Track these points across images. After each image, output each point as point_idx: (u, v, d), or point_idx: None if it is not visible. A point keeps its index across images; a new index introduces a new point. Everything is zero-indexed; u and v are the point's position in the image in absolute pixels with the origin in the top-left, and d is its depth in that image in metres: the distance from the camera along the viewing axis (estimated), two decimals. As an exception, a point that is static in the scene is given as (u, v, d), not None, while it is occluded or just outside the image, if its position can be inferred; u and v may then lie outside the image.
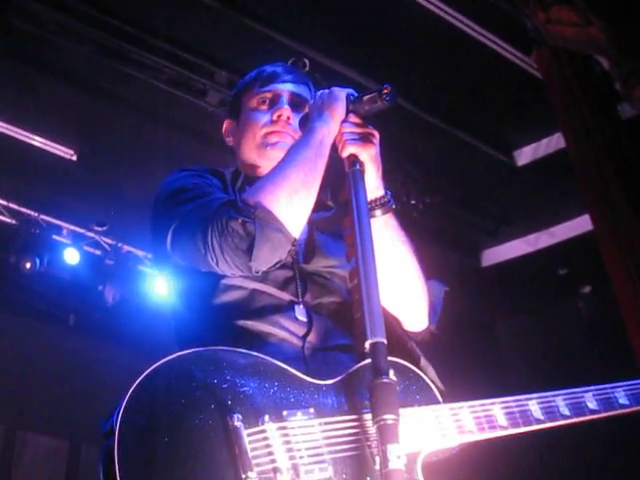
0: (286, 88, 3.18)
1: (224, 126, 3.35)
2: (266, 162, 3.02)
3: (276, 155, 2.97)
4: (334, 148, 2.77)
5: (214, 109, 7.82)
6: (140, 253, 9.66)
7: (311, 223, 2.96)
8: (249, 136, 3.13)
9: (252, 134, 3.12)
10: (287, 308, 2.78)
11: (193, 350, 2.40)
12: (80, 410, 8.88)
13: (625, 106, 7.26)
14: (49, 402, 9.06)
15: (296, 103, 3.15)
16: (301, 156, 2.72)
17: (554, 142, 8.78)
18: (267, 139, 3.07)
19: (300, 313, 2.78)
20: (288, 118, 3.08)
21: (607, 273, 6.89)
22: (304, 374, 2.51)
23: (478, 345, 9.76)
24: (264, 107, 3.16)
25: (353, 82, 6.59)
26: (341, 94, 2.84)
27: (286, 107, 3.11)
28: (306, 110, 3.04)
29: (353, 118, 2.79)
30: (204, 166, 3.09)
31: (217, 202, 2.69)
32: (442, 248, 9.35)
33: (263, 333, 2.71)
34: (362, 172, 2.68)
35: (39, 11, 7.02)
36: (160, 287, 9.25)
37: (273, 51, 6.92)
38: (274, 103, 3.14)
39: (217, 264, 2.61)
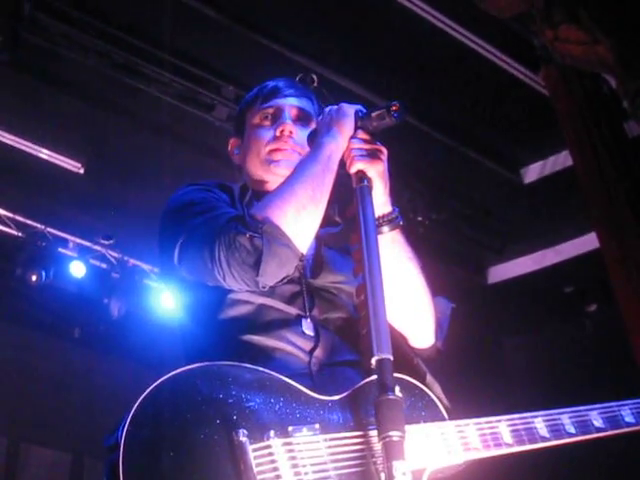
0: (288, 103, 3.18)
1: (230, 144, 3.35)
2: (272, 178, 3.03)
3: (281, 172, 2.98)
4: (342, 164, 2.77)
5: (221, 124, 7.84)
6: (146, 267, 9.66)
7: (319, 238, 2.97)
8: (253, 153, 3.13)
9: (256, 151, 3.12)
10: (294, 322, 2.78)
11: (199, 365, 2.40)
12: (83, 423, 8.87)
13: (632, 124, 7.25)
14: (53, 415, 9.05)
15: (299, 117, 3.16)
16: (309, 172, 2.72)
17: (561, 160, 8.78)
18: (271, 156, 3.07)
19: (307, 327, 2.78)
20: (291, 133, 3.09)
21: (613, 291, 6.88)
22: (310, 390, 2.50)
23: (483, 362, 9.73)
24: (267, 123, 3.16)
25: (361, 98, 6.58)
26: (350, 110, 2.84)
27: (288, 122, 3.11)
28: (313, 125, 3.05)
29: (361, 134, 2.79)
30: (212, 180, 3.09)
31: (225, 217, 2.69)
32: (448, 265, 9.34)
33: (270, 348, 2.70)
34: (370, 188, 2.68)
35: (48, 24, 7.05)
36: (166, 301, 9.25)
37: (281, 66, 6.94)
38: (276, 118, 3.14)
39: (224, 279, 2.61)
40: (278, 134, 3.10)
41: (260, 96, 3.24)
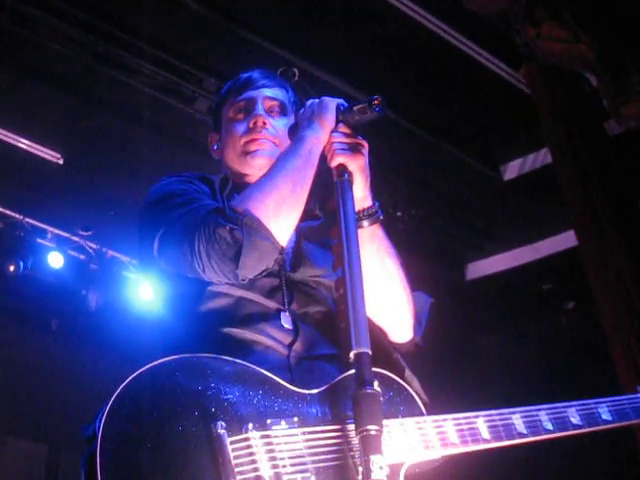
0: (261, 94, 3.18)
1: (209, 140, 3.36)
2: (250, 170, 3.04)
3: (257, 163, 3.00)
4: (323, 158, 2.77)
5: (202, 116, 7.81)
6: (124, 258, 9.63)
7: (299, 232, 2.97)
8: (230, 147, 3.14)
9: (232, 145, 3.13)
10: (273, 316, 2.78)
11: (178, 356, 2.39)
12: (60, 415, 8.84)
13: (612, 123, 7.28)
14: (29, 406, 9.01)
15: (272, 107, 3.17)
16: (290, 165, 2.72)
17: (541, 158, 8.81)
18: (246, 148, 3.08)
19: (286, 321, 2.78)
20: (264, 124, 3.09)
21: (590, 290, 6.90)
22: (289, 383, 2.51)
23: (460, 358, 9.77)
24: (240, 116, 3.17)
25: (342, 93, 6.58)
26: (331, 104, 2.84)
27: (261, 113, 3.12)
28: (288, 115, 3.06)
29: (343, 128, 2.79)
30: (193, 172, 3.09)
31: (205, 209, 2.69)
32: (427, 260, 9.36)
33: (249, 341, 2.70)
34: (350, 182, 2.68)
35: (28, 14, 7.00)
36: (144, 293, 9.22)
37: (262, 59, 6.92)
38: (249, 111, 3.15)
39: (203, 271, 2.61)
40: (251, 126, 3.11)
41: (233, 89, 3.25)
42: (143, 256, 2.90)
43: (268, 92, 3.19)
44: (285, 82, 3.27)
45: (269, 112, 3.15)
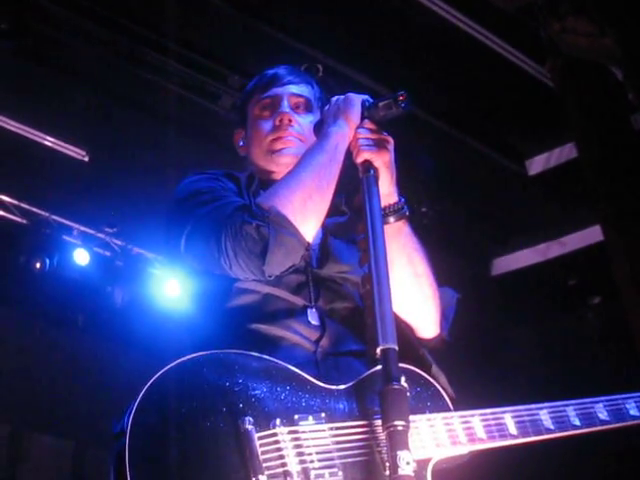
0: (287, 91, 3.18)
1: (235, 136, 3.36)
2: (276, 168, 3.04)
3: (283, 161, 3.00)
4: (348, 154, 2.77)
5: (227, 113, 7.82)
6: (150, 255, 9.65)
7: (325, 228, 2.97)
8: (256, 145, 3.15)
9: (258, 143, 3.13)
10: (300, 312, 2.79)
11: (206, 353, 2.41)
12: (86, 411, 8.87)
13: (638, 117, 7.24)
14: (56, 402, 9.05)
15: (298, 105, 3.16)
16: (316, 161, 2.72)
17: (566, 152, 8.76)
18: (272, 146, 3.08)
19: (313, 317, 2.79)
20: (290, 121, 3.09)
21: (617, 285, 6.86)
22: (316, 379, 2.52)
23: (486, 354, 9.73)
24: (266, 113, 3.16)
25: (367, 88, 6.56)
26: (356, 100, 2.84)
27: (287, 110, 3.12)
28: (314, 111, 3.06)
29: (368, 124, 2.79)
30: (219, 170, 3.09)
31: (232, 206, 2.70)
32: (452, 256, 9.31)
33: (276, 337, 2.71)
34: (376, 178, 2.68)
35: (54, 13, 7.03)
36: (169, 289, 9.24)
37: (287, 55, 6.92)
38: (275, 108, 3.15)
39: (230, 267, 2.62)
40: (277, 123, 3.11)
41: (259, 86, 3.25)
42: (170, 253, 2.91)
43: (294, 89, 3.19)
44: (310, 78, 3.27)
45: (295, 109, 3.14)
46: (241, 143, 3.31)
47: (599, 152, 6.98)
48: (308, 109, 3.17)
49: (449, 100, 8.22)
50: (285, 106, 3.14)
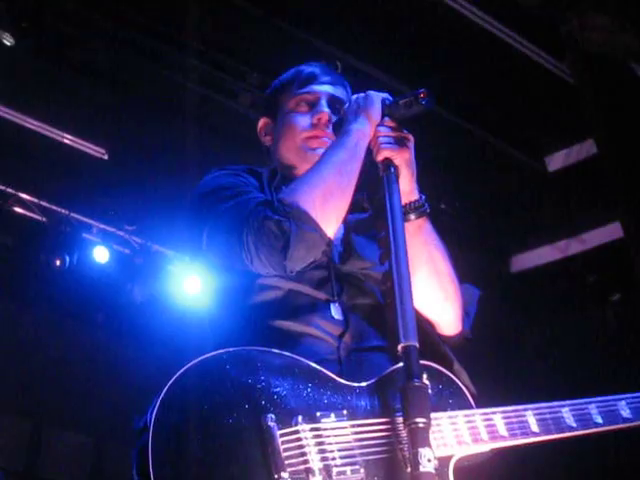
0: (324, 90, 3.18)
1: (260, 124, 3.35)
2: (305, 165, 3.01)
3: (316, 160, 2.98)
4: (369, 152, 2.77)
5: (246, 110, 7.83)
6: (169, 252, 9.67)
7: (347, 224, 2.98)
8: (288, 138, 3.14)
9: (292, 136, 3.12)
10: (323, 307, 2.79)
11: (228, 349, 2.41)
12: (106, 408, 8.92)
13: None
14: (76, 399, 9.09)
15: (334, 105, 3.15)
16: (337, 158, 2.73)
17: (586, 148, 8.72)
18: (308, 143, 3.08)
19: (336, 312, 2.78)
20: (327, 121, 3.09)
21: (637, 281, 6.85)
22: (338, 375, 2.52)
23: (506, 351, 9.72)
24: (303, 109, 3.16)
25: (386, 86, 6.57)
26: (377, 98, 2.85)
27: (326, 110, 3.11)
28: (341, 113, 3.04)
29: (388, 122, 2.80)
30: (241, 165, 3.09)
31: (253, 201, 2.71)
32: (471, 253, 9.30)
33: (298, 333, 2.71)
34: (397, 176, 2.68)
35: (74, 11, 7.06)
36: (189, 286, 9.26)
37: (306, 53, 6.90)
38: (313, 105, 3.15)
39: (252, 263, 2.63)
40: (315, 122, 3.11)
41: (297, 80, 3.23)
42: (192, 249, 2.92)
43: (332, 89, 3.19)
44: (345, 80, 3.27)
45: (331, 110, 3.14)
46: (266, 132, 3.31)
47: (619, 148, 6.96)
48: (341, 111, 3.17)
49: (469, 97, 8.20)
50: (324, 105, 3.14)
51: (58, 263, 9.02)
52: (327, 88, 3.18)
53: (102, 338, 9.61)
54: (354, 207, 2.84)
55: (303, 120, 3.12)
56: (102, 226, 9.40)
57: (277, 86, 3.34)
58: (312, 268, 2.72)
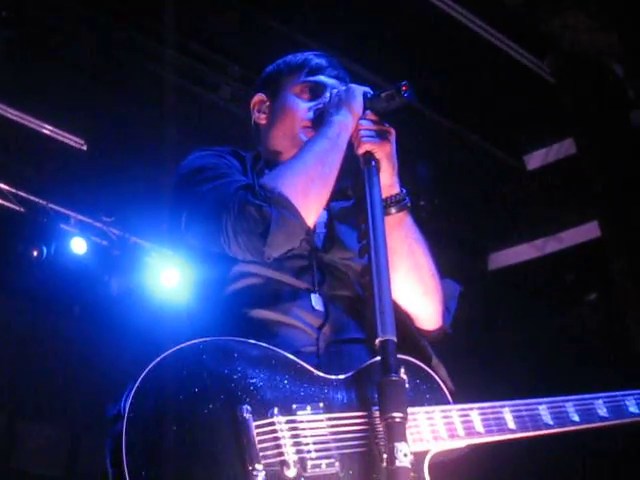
0: (331, 83, 3.15)
1: (254, 99, 3.31)
2: (295, 151, 3.00)
3: None
4: (350, 145, 2.77)
5: (226, 103, 7.80)
6: (147, 244, 9.64)
7: (330, 212, 2.97)
8: (286, 121, 3.11)
9: (290, 121, 3.10)
10: (303, 297, 2.77)
11: (205, 339, 2.40)
12: (82, 400, 8.89)
13: (637, 113, 7.24)
14: (51, 392, 9.06)
15: None
16: (319, 147, 2.73)
17: (565, 147, 8.75)
18: (306, 132, 3.04)
19: (317, 302, 2.77)
20: None
21: (614, 281, 6.88)
22: (315, 367, 2.51)
23: (483, 347, 9.74)
24: (307, 96, 3.14)
25: (365, 81, 6.58)
26: (358, 91, 2.85)
27: None
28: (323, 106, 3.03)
29: (370, 115, 2.80)
30: (225, 147, 3.07)
31: (235, 185, 2.69)
32: (449, 250, 9.31)
33: (277, 322, 2.70)
34: (378, 169, 2.68)
35: (54, 1, 7.02)
36: (166, 279, 9.23)
37: (286, 47, 6.88)
38: (317, 95, 3.12)
39: (230, 247, 2.61)
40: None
41: (306, 67, 3.20)
42: (172, 230, 2.90)
43: (337, 84, 3.15)
44: (347, 77, 3.25)
45: None
46: (260, 109, 3.27)
47: (597, 148, 6.99)
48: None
49: (448, 94, 8.20)
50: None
51: (35, 254, 8.97)
52: (334, 82, 3.16)
53: (79, 330, 9.56)
54: (338, 195, 2.85)
55: (305, 106, 3.10)
56: (80, 217, 9.34)
57: (282, 67, 3.29)
58: (293, 256, 2.72)
